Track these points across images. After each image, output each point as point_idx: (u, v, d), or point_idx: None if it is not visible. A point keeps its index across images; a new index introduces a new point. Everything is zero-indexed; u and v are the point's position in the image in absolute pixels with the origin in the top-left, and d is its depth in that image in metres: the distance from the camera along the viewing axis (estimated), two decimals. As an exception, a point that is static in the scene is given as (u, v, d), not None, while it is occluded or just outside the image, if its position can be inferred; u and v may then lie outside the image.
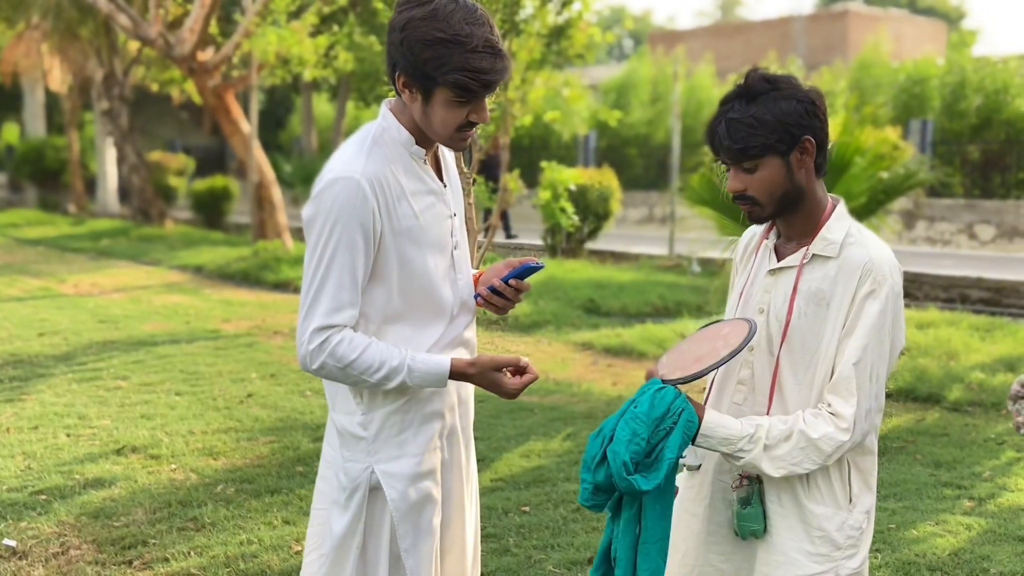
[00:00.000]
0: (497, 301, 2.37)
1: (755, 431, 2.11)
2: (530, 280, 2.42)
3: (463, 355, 2.35)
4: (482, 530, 3.44)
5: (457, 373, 2.25)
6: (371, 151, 2.21)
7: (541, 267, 2.36)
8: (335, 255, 2.16)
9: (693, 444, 2.13)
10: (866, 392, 2.10)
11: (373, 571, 2.32)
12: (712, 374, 2.30)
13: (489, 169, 17.65)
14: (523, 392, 2.33)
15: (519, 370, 2.32)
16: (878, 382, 2.12)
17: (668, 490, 2.12)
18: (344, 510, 2.32)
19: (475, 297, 2.40)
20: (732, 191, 2.19)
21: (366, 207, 2.15)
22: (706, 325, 2.27)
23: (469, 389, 2.46)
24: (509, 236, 17.98)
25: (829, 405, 2.11)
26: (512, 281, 2.35)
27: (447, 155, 2.43)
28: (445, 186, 2.35)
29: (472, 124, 2.20)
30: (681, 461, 2.17)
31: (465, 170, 2.47)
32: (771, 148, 2.12)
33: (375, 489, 2.30)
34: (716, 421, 2.12)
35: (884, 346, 2.11)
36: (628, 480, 2.03)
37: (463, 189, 2.52)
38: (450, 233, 2.32)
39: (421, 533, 2.32)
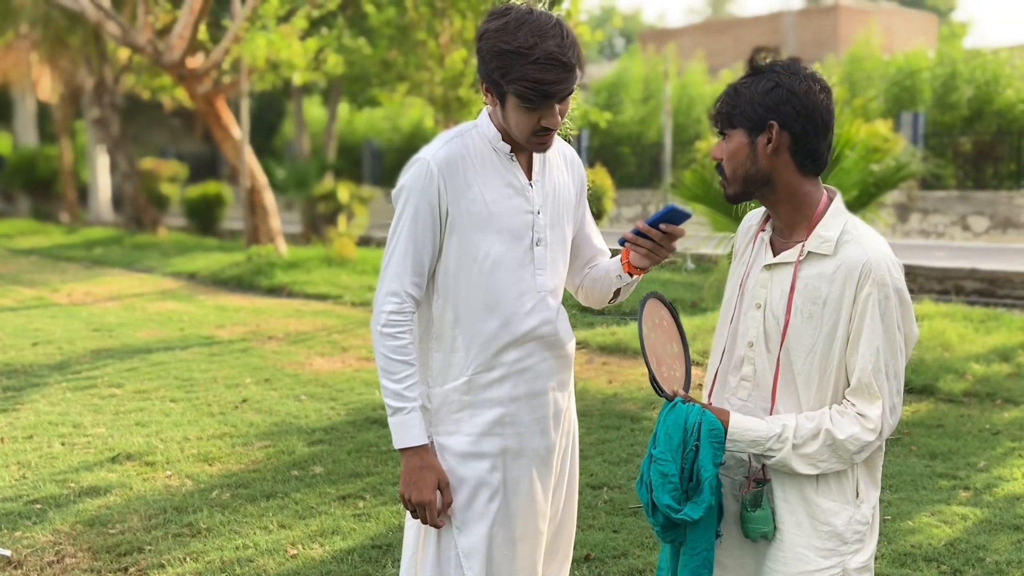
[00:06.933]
0: (644, 243, 2.35)
1: (782, 431, 2.10)
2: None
3: (533, 350, 2.41)
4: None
5: (409, 452, 2.34)
6: (451, 140, 2.39)
7: (689, 214, 2.30)
8: (404, 227, 2.36)
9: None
10: (887, 391, 2.10)
11: (447, 541, 2.42)
12: (715, 365, 2.31)
13: None
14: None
15: (445, 503, 2.38)
16: (897, 379, 2.11)
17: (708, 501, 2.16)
18: None
19: (621, 243, 2.41)
20: (712, 158, 2.22)
21: (431, 186, 2.34)
22: (642, 304, 2.25)
23: (547, 384, 2.46)
24: None
25: (854, 405, 2.11)
26: (663, 226, 2.32)
27: (554, 160, 2.50)
28: (532, 184, 2.42)
29: (547, 129, 2.31)
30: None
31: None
32: (735, 120, 2.13)
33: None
34: (742, 424, 2.13)
35: (896, 343, 2.10)
36: (681, 517, 2.10)
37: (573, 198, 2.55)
38: (530, 228, 2.40)
39: (473, 514, 2.39)
